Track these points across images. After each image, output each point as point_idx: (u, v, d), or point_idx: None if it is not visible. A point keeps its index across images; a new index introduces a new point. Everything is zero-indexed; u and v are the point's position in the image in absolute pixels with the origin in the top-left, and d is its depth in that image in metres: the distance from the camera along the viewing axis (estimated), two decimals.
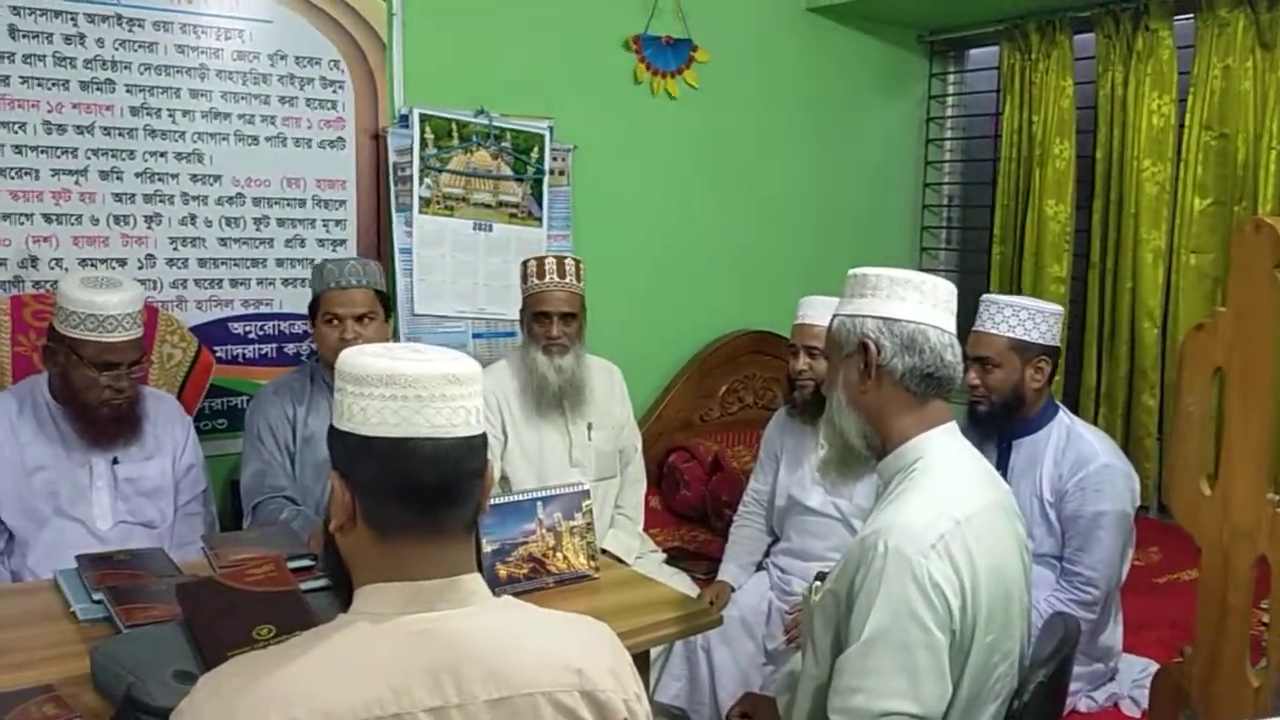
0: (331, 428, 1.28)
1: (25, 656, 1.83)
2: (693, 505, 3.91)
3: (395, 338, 3.43)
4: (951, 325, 1.75)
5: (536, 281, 3.05)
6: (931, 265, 4.94)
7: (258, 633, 1.65)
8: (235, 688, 1.15)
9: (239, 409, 3.36)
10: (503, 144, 3.75)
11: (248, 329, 3.41)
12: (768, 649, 2.91)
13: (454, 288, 3.71)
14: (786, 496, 3.01)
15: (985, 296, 2.74)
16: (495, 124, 3.71)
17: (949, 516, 1.61)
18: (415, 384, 1.22)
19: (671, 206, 4.23)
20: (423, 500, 1.23)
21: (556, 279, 3.03)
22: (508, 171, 3.77)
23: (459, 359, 1.29)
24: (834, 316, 1.81)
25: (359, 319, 2.73)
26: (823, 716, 1.65)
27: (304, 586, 1.90)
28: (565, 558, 2.28)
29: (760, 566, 3.11)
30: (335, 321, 2.73)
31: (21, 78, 2.98)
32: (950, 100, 4.96)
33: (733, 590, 3.02)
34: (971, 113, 4.94)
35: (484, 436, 1.29)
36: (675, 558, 3.45)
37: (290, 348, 3.47)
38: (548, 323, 3.02)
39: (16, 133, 2.99)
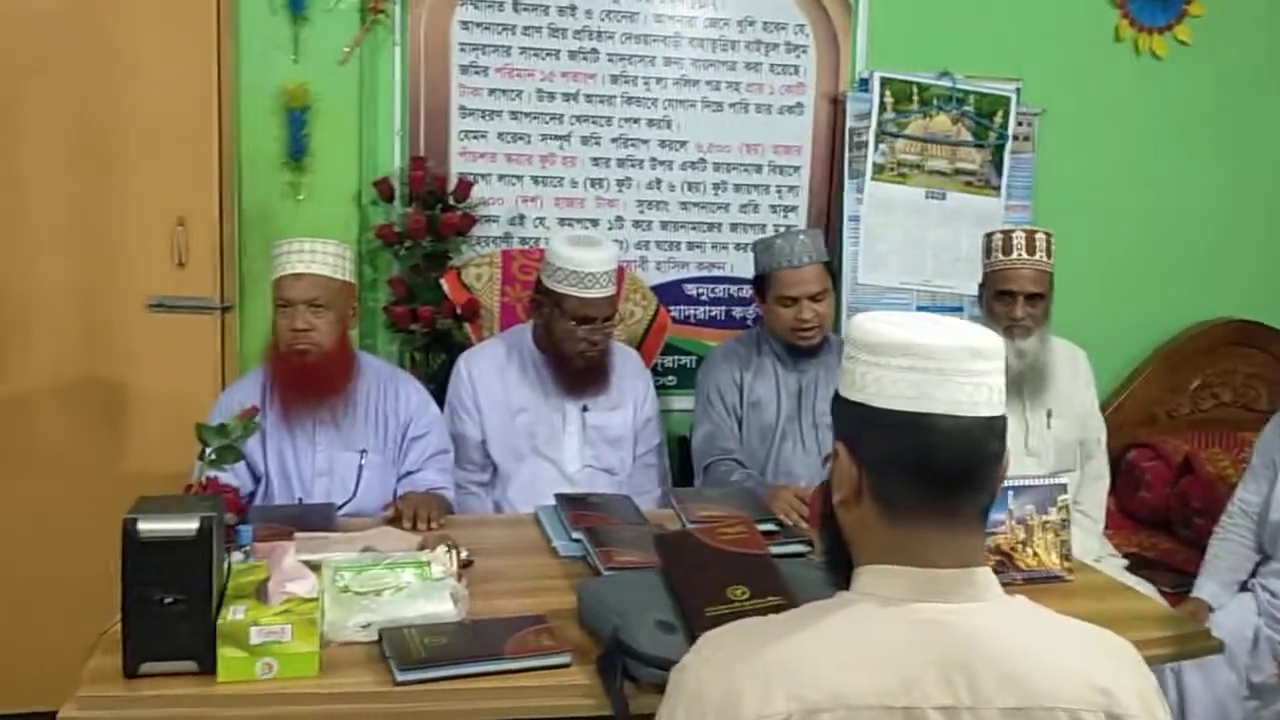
0: (838, 396, 1.22)
1: (516, 585, 1.97)
2: (1153, 509, 3.54)
3: (837, 308, 3.37)
4: None
5: (1002, 257, 2.85)
6: None
7: (731, 592, 1.66)
8: (737, 654, 1.13)
9: (688, 368, 3.47)
10: (964, 108, 3.55)
11: (700, 291, 3.50)
12: (1252, 681, 2.56)
13: (901, 258, 3.59)
14: None
15: None
16: (958, 86, 3.52)
17: None
18: (936, 356, 1.14)
19: (1148, 178, 3.81)
20: (939, 481, 1.14)
21: (1025, 255, 2.82)
22: (968, 137, 3.58)
23: (982, 332, 1.19)
24: None
25: (814, 298, 2.71)
26: None
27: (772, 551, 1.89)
28: (1035, 554, 2.11)
29: (1244, 587, 2.74)
30: (790, 303, 2.73)
31: (520, 49, 3.24)
32: None
33: (1210, 610, 2.68)
34: None
35: (1005, 419, 1.18)
36: (1134, 566, 3.13)
37: (738, 311, 3.53)
38: (1011, 302, 2.81)
39: (514, 100, 3.26)
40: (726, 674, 1.11)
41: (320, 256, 2.44)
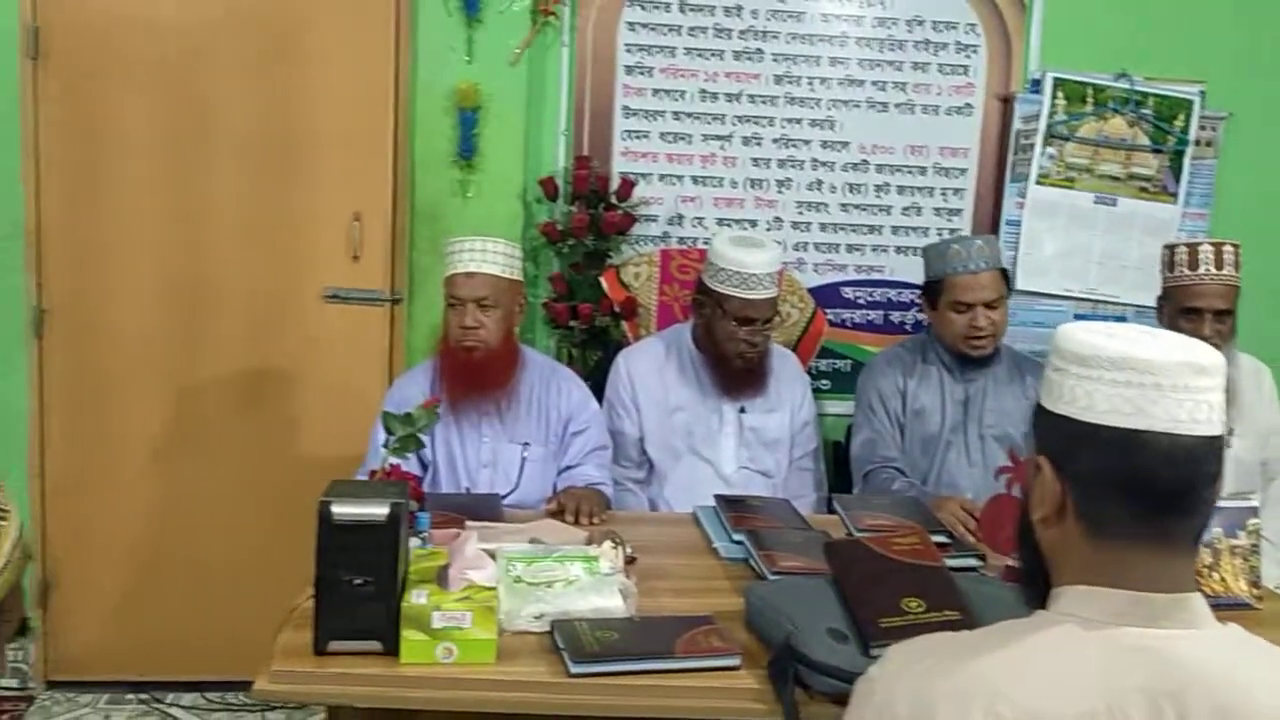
0: (1040, 409, 1.18)
1: (679, 584, 1.98)
2: None
3: None
4: None
5: (1189, 272, 2.72)
6: None
7: (906, 604, 1.63)
8: (930, 668, 1.10)
9: (843, 373, 3.42)
10: (1143, 110, 3.41)
11: (858, 295, 3.45)
12: None
13: (1062, 264, 3.47)
14: None
15: None
16: (1137, 88, 3.38)
17: None
18: (1153, 370, 1.09)
19: None
20: (1152, 503, 1.09)
21: (1214, 270, 2.69)
22: (1144, 141, 3.43)
23: (1201, 346, 1.13)
24: None
25: (989, 305, 2.64)
26: None
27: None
28: (1222, 579, 2.01)
29: None
30: (964, 309, 2.67)
31: (685, 49, 3.25)
32: None
33: None
34: None
35: (1223, 439, 1.12)
36: None
37: (896, 316, 3.46)
38: (1198, 320, 2.68)
39: (677, 100, 3.27)
40: (918, 689, 1.08)
41: (491, 255, 2.50)
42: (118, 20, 2.96)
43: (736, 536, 2.14)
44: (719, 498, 2.36)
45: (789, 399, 2.84)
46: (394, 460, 1.89)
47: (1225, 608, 2.00)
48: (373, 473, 1.94)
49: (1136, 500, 1.09)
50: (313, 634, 1.57)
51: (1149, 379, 1.09)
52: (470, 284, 2.48)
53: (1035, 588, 1.21)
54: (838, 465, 3.14)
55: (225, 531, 3.10)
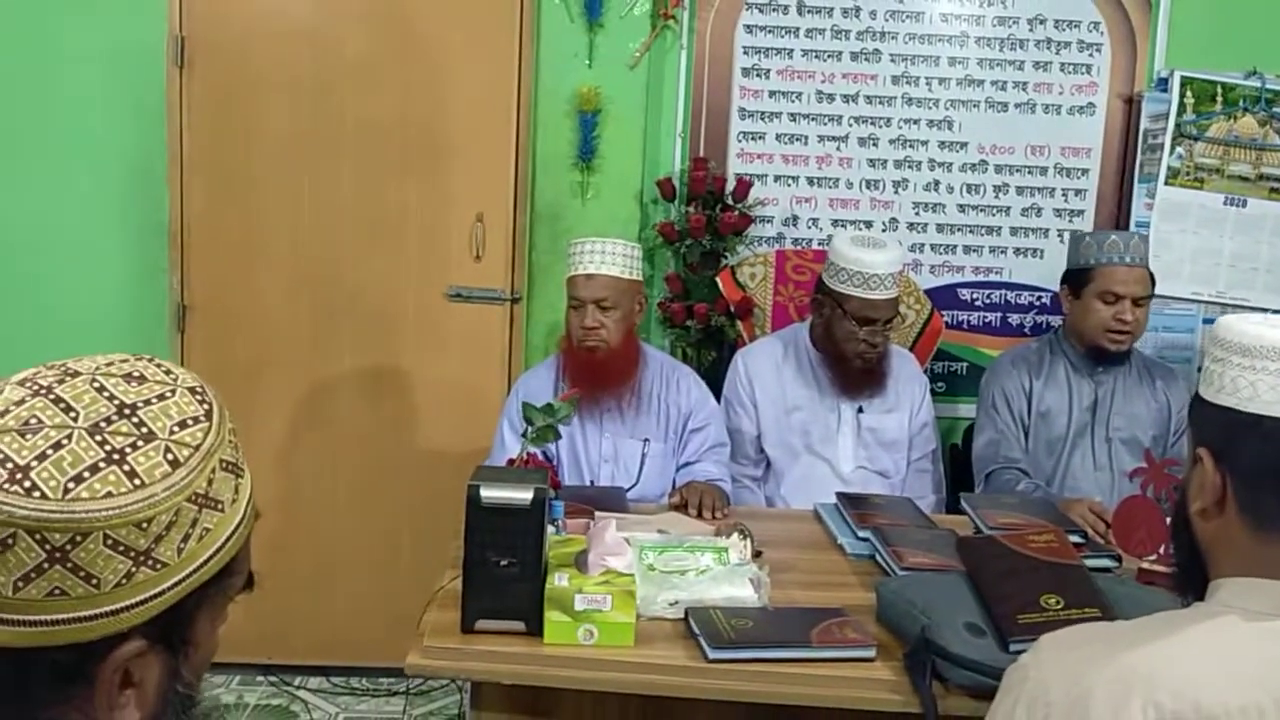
0: (1199, 398, 1.17)
1: (806, 577, 1.99)
2: None
3: None
4: None
5: None
6: None
7: (1045, 600, 1.62)
8: (1086, 656, 1.10)
9: (959, 374, 3.39)
10: (1274, 109, 3.31)
11: (975, 296, 3.42)
12: None
13: (1192, 267, 3.38)
14: None
15: None
16: (1269, 86, 3.28)
17: None
18: None
19: None
20: None
21: None
22: (1276, 141, 3.33)
23: None
24: None
25: (1137, 301, 2.62)
26: None
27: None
28: None
29: None
30: (1114, 300, 2.64)
31: (803, 50, 3.26)
32: None
33: None
34: None
35: None
36: None
37: (1015, 318, 3.42)
38: None
39: (794, 102, 3.28)
40: (1073, 677, 1.08)
41: (610, 257, 2.55)
42: (257, 29, 3.09)
43: (862, 533, 2.14)
44: (841, 495, 2.36)
45: (908, 399, 2.83)
46: (531, 449, 1.94)
47: None
48: (511, 461, 1.99)
49: None
50: (460, 613, 1.62)
51: None
52: (590, 285, 2.53)
53: (1191, 581, 1.20)
54: (954, 468, 3.12)
55: (351, 522, 3.20)
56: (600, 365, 2.54)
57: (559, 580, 1.63)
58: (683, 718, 1.67)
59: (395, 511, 3.12)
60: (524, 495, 1.60)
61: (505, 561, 1.59)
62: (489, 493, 1.60)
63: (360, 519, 3.20)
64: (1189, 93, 3.28)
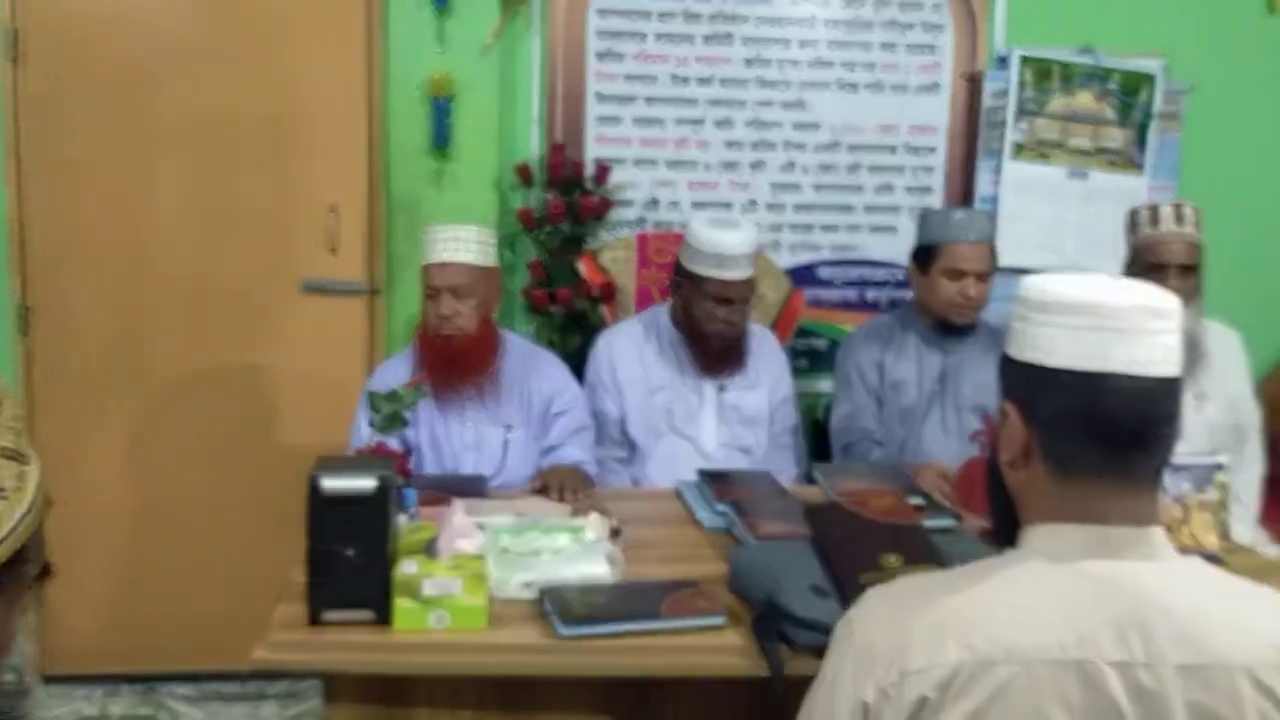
0: (1006, 357, 1.23)
1: (664, 552, 2.02)
2: None
3: None
4: None
5: (1150, 230, 2.78)
6: None
7: (885, 560, 1.67)
8: (909, 605, 1.14)
9: (819, 351, 3.47)
10: (1108, 85, 3.47)
11: (833, 274, 3.50)
12: None
13: (1041, 239, 3.52)
14: None
15: None
16: (1101, 63, 3.44)
17: None
18: (1113, 314, 1.13)
19: None
20: (1114, 441, 1.13)
21: (1174, 227, 2.75)
22: (1111, 115, 3.49)
23: (1157, 291, 1.18)
24: None
25: (980, 276, 2.71)
26: None
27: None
28: (1193, 534, 2.06)
29: None
30: (958, 276, 2.72)
31: (656, 34, 3.29)
32: None
33: None
34: None
35: (1180, 380, 1.17)
36: None
37: (872, 294, 3.51)
38: (1163, 276, 2.73)
39: (649, 85, 3.31)
40: (896, 625, 1.12)
41: (464, 244, 2.52)
42: (93, 19, 2.98)
43: (719, 507, 2.18)
44: (701, 472, 2.40)
45: (767, 376, 2.88)
46: (379, 438, 1.92)
47: None
48: (359, 451, 1.97)
49: (1099, 439, 1.14)
50: (307, 605, 1.60)
51: (1108, 323, 1.13)
52: (444, 273, 2.51)
53: (1006, 529, 1.26)
54: (818, 442, 3.19)
55: (211, 522, 3.12)
56: (457, 353, 2.52)
57: (407, 567, 1.61)
58: (539, 697, 1.68)
59: (258, 510, 3.04)
60: (367, 484, 1.58)
61: (350, 551, 1.57)
62: (330, 482, 1.57)
63: (221, 520, 3.12)
64: (1028, 70, 3.41)
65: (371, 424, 1.90)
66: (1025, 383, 1.19)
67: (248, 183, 3.08)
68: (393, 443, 2.07)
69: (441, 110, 3.12)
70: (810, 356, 3.49)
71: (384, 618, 1.60)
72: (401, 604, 1.59)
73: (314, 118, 3.07)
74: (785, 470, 2.82)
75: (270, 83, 3.05)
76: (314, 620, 1.59)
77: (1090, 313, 1.14)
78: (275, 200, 3.10)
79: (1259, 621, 1.11)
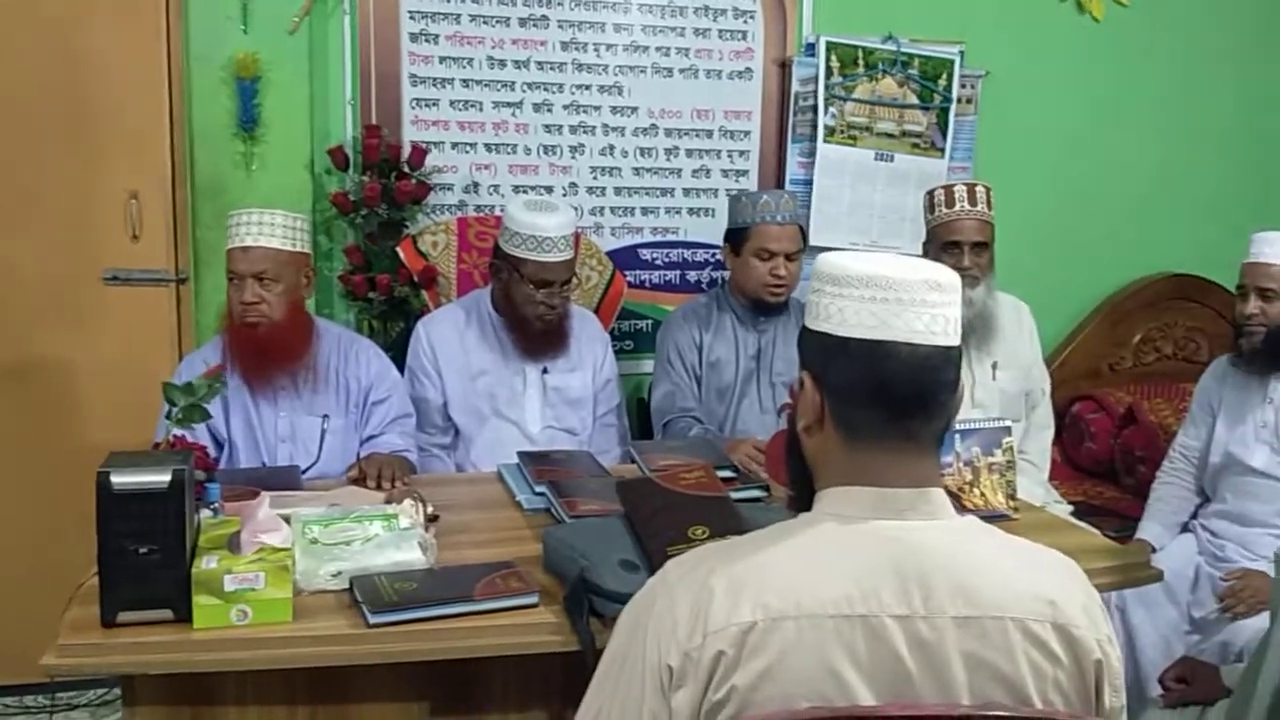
0: (804, 328, 1.28)
1: (482, 536, 2.02)
2: (1098, 459, 3.66)
3: None
4: None
5: (945, 210, 2.92)
6: None
7: (693, 532, 1.71)
8: (707, 569, 1.18)
9: (644, 332, 3.51)
10: (910, 71, 3.62)
11: (655, 255, 3.55)
12: (1193, 617, 2.66)
13: (850, 219, 3.66)
14: (1224, 454, 2.73)
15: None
16: (903, 50, 3.59)
17: None
18: (896, 286, 1.19)
19: (1088, 138, 3.91)
20: (896, 406, 1.19)
21: (967, 206, 2.89)
22: (913, 100, 3.65)
23: (939, 266, 1.24)
24: None
25: (790, 256, 2.78)
26: None
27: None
28: (983, 494, 2.19)
29: (1186, 528, 2.85)
30: (769, 257, 2.79)
31: (470, 16, 3.25)
32: None
33: (1154, 550, 2.78)
34: None
35: (960, 350, 1.24)
36: (1079, 513, 3.23)
37: (693, 275, 3.58)
38: (958, 253, 2.88)
39: (465, 68, 3.27)
40: (695, 588, 1.15)
41: (269, 228, 2.44)
42: None
43: (538, 488, 2.19)
44: (522, 454, 2.40)
45: (590, 358, 2.90)
46: (178, 431, 1.84)
47: (986, 519, 2.16)
48: (156, 445, 1.89)
49: (883, 405, 1.19)
50: (100, 607, 1.53)
51: (891, 294, 1.19)
52: (248, 258, 2.42)
53: (803, 494, 1.31)
54: (642, 421, 3.23)
55: (11, 526, 2.94)
56: (266, 341, 2.44)
57: (207, 563, 1.56)
58: (354, 687, 1.66)
59: (60, 512, 2.86)
60: (160, 478, 1.52)
61: (145, 549, 1.51)
62: (120, 479, 1.51)
63: (20, 521, 2.94)
64: (834, 57, 3.53)
65: (168, 417, 1.82)
66: (819, 352, 1.24)
67: (41, 168, 2.91)
68: (193, 436, 1.99)
69: (248, 91, 3.01)
70: (634, 337, 3.54)
71: (184, 616, 1.54)
72: (201, 601, 1.54)
73: (111, 99, 2.91)
74: (610, 450, 2.85)
75: (63, 62, 2.88)
76: (108, 622, 1.52)
77: (875, 285, 1.20)
78: (71, 186, 2.93)
79: (1028, 574, 1.19)
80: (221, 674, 1.60)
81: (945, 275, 1.22)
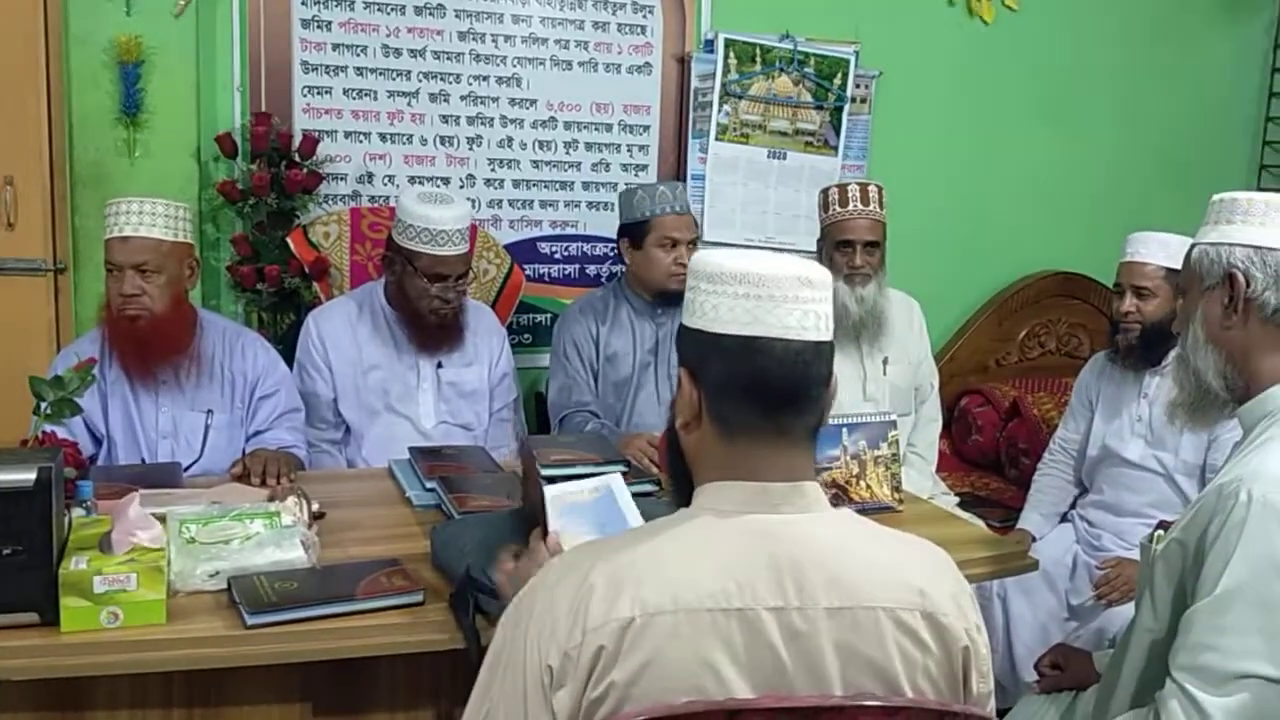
0: (681, 325, 1.29)
1: (371, 533, 1.99)
2: (984, 451, 3.76)
3: None
4: None
5: (839, 209, 2.98)
6: None
7: None
8: (588, 566, 1.18)
9: (543, 325, 3.50)
10: (805, 70, 3.67)
11: (554, 249, 3.54)
12: (1071, 604, 2.76)
13: (744, 216, 3.71)
14: (1100, 447, 2.83)
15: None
16: (800, 49, 3.64)
17: None
18: (768, 283, 1.21)
19: (977, 138, 4.01)
20: (770, 401, 1.21)
21: (860, 206, 2.95)
22: (808, 99, 3.70)
23: (811, 263, 1.26)
24: (1193, 245, 1.65)
25: (690, 244, 2.80)
26: (1160, 672, 1.53)
27: None
28: (868, 487, 2.24)
29: (1065, 518, 2.95)
30: (673, 245, 2.81)
31: (365, 3, 3.20)
32: None
33: (1034, 539, 2.88)
34: None
35: (832, 345, 1.26)
36: (965, 504, 3.32)
37: (592, 269, 3.58)
38: (850, 251, 2.94)
39: (359, 56, 3.21)
40: (575, 585, 1.15)
41: (149, 218, 2.36)
42: None
43: (429, 484, 2.16)
44: (413, 449, 2.37)
45: (486, 352, 2.87)
46: (48, 427, 1.78)
47: (872, 511, 2.23)
48: (23, 441, 1.82)
49: (756, 400, 1.21)
50: None
51: (764, 291, 1.21)
52: (127, 249, 2.34)
53: (683, 489, 1.32)
54: (540, 416, 3.22)
55: None
56: (144, 334, 2.36)
57: (76, 564, 1.51)
58: (231, 689, 1.62)
59: None
60: (25, 476, 1.46)
61: (9, 550, 1.45)
62: None
63: None
64: (732, 54, 3.56)
65: (37, 412, 1.76)
66: (695, 348, 1.25)
67: None
68: (68, 431, 1.92)
69: (130, 76, 2.92)
70: (533, 331, 3.53)
71: (51, 619, 1.49)
72: (70, 603, 1.48)
73: None
74: (506, 445, 2.83)
75: None
76: None
77: (748, 282, 1.21)
78: None
79: (899, 564, 1.22)
80: (93, 678, 1.54)
81: (816, 272, 1.24)
